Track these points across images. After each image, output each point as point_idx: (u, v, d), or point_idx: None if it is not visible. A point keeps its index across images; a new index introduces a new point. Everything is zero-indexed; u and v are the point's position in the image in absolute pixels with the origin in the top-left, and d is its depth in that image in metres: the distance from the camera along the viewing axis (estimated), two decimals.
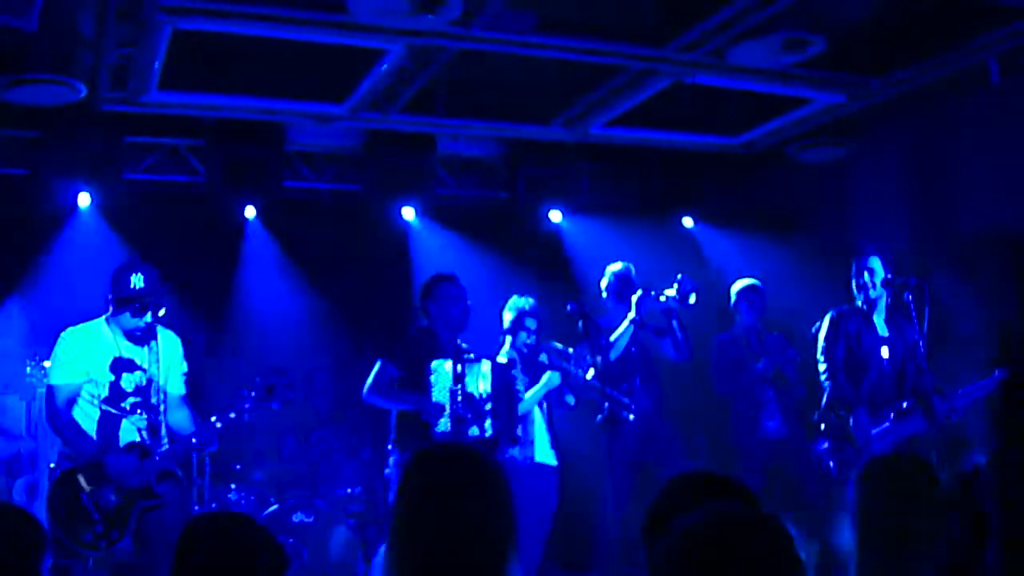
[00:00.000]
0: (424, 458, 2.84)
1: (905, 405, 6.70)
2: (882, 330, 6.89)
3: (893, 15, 6.64)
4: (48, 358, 6.12)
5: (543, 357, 7.41)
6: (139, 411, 5.74)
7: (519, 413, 7.14)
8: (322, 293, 9.33)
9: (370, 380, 6.73)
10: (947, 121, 8.16)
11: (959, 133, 8.04)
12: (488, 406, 6.64)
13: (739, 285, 8.24)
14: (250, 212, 9.37)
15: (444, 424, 6.53)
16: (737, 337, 8.16)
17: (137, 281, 5.65)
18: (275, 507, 8.08)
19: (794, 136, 9.26)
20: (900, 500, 3.12)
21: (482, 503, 2.69)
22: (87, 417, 5.67)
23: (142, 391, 5.77)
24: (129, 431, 5.71)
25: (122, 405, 5.70)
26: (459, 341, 6.93)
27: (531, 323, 7.47)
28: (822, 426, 6.75)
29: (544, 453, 7.47)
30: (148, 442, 5.70)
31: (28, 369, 7.63)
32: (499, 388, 6.77)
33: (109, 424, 5.68)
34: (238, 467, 8.41)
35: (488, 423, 6.65)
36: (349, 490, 8.45)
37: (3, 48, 6.77)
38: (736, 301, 8.21)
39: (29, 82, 7.21)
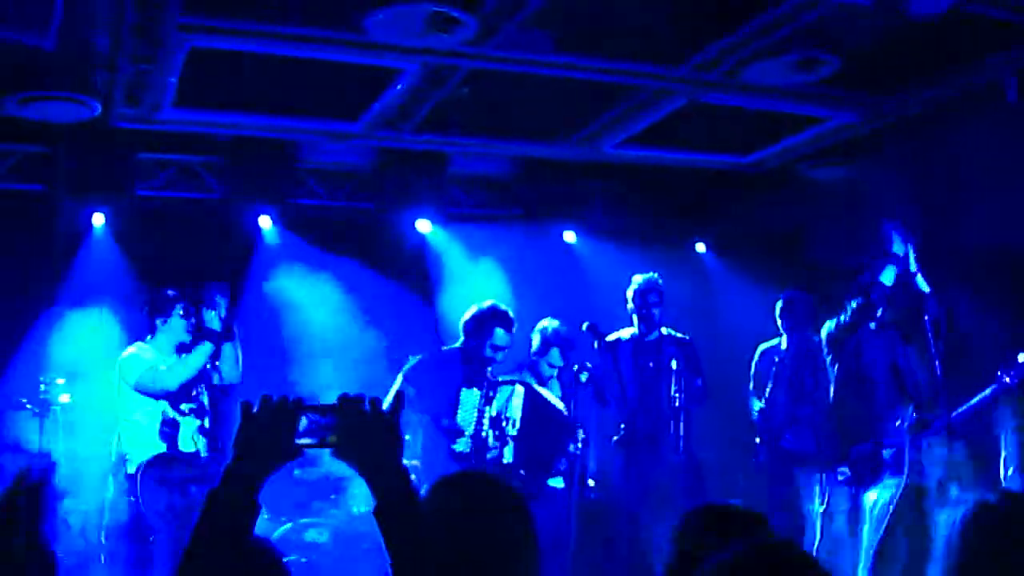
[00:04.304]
0: (442, 486, 2.82)
1: (915, 418, 6.60)
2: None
3: (907, 34, 6.62)
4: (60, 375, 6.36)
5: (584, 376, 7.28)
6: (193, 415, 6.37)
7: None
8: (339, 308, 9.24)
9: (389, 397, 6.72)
10: (960, 139, 8.13)
11: (972, 151, 8.01)
12: (513, 431, 6.62)
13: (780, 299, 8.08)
14: (265, 222, 9.34)
15: (463, 445, 6.53)
16: (776, 351, 8.03)
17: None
18: (288, 525, 8.00)
19: (804, 155, 9.27)
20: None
21: (498, 531, 2.68)
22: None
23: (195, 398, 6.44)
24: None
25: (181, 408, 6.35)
26: (489, 369, 6.90)
27: (555, 356, 7.52)
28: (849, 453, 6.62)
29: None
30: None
31: (42, 387, 7.65)
32: (529, 415, 6.74)
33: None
34: None
35: (509, 449, 6.62)
36: (365, 508, 8.34)
37: (20, 66, 6.80)
38: (778, 315, 8.06)
39: (43, 99, 7.26)
